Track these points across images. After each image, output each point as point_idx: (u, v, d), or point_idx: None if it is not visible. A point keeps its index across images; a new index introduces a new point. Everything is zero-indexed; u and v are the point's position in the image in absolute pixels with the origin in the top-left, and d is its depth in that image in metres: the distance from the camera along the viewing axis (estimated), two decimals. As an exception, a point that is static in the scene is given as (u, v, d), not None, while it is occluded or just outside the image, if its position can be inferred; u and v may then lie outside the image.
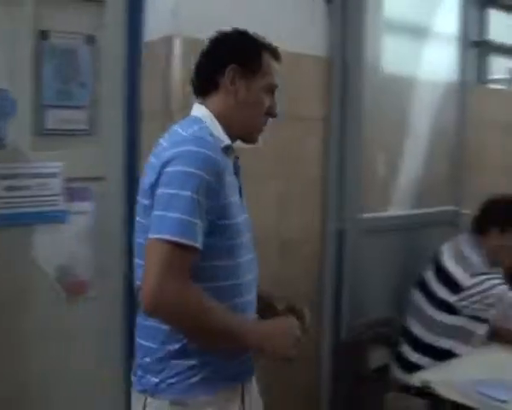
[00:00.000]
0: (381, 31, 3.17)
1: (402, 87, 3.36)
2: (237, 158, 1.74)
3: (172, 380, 1.58)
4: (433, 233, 3.32)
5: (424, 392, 2.32)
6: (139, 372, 1.63)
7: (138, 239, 1.63)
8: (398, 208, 3.34)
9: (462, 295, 2.59)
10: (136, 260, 1.64)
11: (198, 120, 1.65)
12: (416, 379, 2.36)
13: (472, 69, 4.14)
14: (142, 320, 1.63)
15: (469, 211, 3.41)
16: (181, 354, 1.58)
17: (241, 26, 1.71)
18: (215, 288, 1.57)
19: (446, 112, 3.53)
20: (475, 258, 2.65)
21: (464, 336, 2.64)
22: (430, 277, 2.74)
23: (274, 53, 1.75)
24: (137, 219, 1.64)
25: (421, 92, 3.43)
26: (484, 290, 2.55)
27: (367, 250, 3.05)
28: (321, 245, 2.96)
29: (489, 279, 2.57)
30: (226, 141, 1.64)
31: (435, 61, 3.48)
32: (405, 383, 2.56)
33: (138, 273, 1.61)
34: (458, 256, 2.68)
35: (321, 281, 2.96)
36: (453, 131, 3.54)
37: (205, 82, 1.72)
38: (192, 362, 1.58)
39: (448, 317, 2.63)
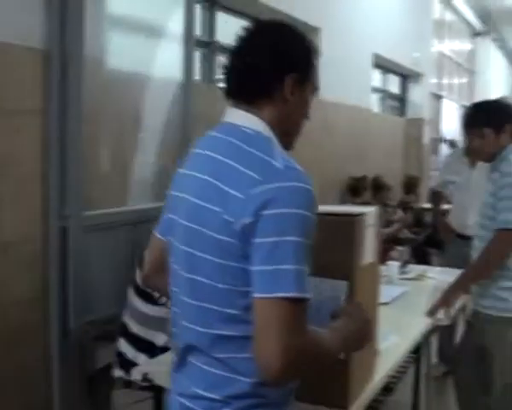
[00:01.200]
0: (103, 25, 3.13)
1: (129, 83, 3.36)
2: None
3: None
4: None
5: (147, 385, 2.36)
6: None
7: (193, 275, 1.41)
8: (124, 204, 3.35)
9: None
10: (204, 305, 1.40)
11: (268, 139, 1.41)
12: (136, 373, 2.39)
13: (201, 68, 4.30)
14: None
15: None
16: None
17: None
18: None
19: (174, 110, 3.61)
20: None
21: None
22: (138, 271, 2.76)
23: (315, 47, 1.55)
24: (191, 250, 1.41)
25: (149, 89, 3.47)
26: None
27: (92, 247, 3.00)
28: (43, 244, 2.85)
29: None
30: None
31: (163, 59, 3.55)
32: (127, 379, 2.58)
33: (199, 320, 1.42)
34: None
35: (45, 281, 2.86)
36: (180, 129, 3.63)
37: (256, 89, 1.46)
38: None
39: (152, 308, 2.67)
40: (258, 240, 1.29)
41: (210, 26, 4.50)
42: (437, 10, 10.25)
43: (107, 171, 3.21)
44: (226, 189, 1.34)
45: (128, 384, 2.64)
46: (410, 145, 8.75)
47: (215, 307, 1.37)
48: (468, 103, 12.88)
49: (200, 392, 1.42)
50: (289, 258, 1.27)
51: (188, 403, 1.45)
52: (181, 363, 1.50)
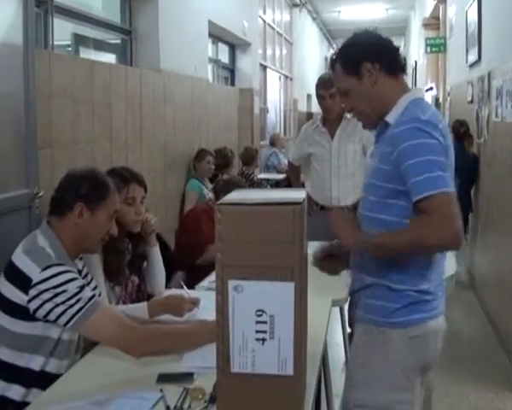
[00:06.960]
0: None
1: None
2: None
3: None
4: (7, 223, 2.87)
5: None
6: None
7: None
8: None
9: (32, 292, 2.03)
10: None
11: None
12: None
13: (37, 31, 3.71)
14: None
15: (43, 192, 3.06)
16: None
17: None
18: None
19: (9, 78, 3.03)
20: (48, 247, 2.12)
21: (47, 346, 2.13)
22: (2, 279, 2.12)
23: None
24: None
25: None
26: (56, 286, 2.02)
27: None
28: None
29: (62, 273, 2.04)
30: None
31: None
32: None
33: None
34: (32, 247, 2.12)
35: None
36: (19, 102, 3.06)
37: None
38: None
39: (26, 325, 2.07)
40: None
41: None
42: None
43: None
44: None
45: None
46: (243, 116, 8.63)
47: None
48: (288, 74, 13.11)
49: None
50: None
51: None
52: None
